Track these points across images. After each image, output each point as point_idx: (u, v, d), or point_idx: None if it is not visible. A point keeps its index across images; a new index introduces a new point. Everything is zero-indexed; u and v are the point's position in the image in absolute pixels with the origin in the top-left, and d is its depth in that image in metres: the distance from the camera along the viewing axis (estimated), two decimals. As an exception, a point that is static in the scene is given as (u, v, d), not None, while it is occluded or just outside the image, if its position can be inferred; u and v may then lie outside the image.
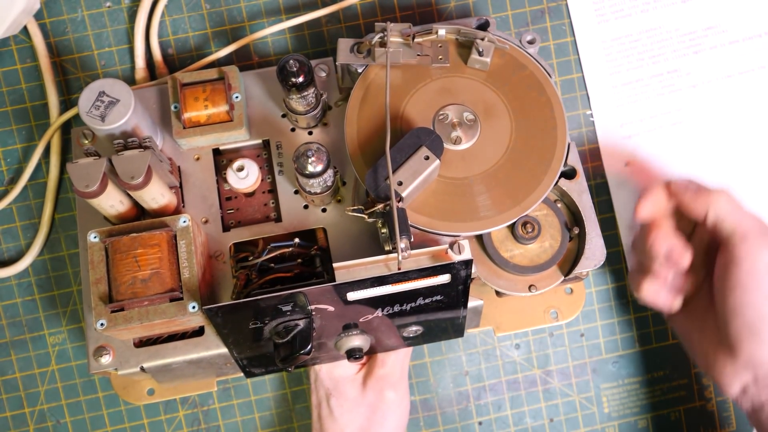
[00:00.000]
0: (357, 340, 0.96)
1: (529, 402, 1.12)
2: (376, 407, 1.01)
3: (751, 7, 1.16)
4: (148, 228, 0.90)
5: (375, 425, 1.01)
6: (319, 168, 0.88)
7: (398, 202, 0.88)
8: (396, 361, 1.04)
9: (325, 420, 1.02)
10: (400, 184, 0.89)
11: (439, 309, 0.93)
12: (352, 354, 0.96)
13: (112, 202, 0.90)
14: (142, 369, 0.94)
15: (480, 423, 1.12)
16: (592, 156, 1.14)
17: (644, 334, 1.13)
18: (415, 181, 0.89)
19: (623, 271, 1.13)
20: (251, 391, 1.12)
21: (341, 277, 0.88)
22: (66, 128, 1.12)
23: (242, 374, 1.06)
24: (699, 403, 1.13)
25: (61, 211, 1.12)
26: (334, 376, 1.02)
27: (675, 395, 1.13)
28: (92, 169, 0.86)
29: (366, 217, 0.90)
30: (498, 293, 0.98)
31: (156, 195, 0.91)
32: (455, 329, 1.00)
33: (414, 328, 0.97)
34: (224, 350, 0.93)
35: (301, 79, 0.91)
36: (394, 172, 0.89)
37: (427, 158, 0.89)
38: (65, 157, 1.12)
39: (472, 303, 0.96)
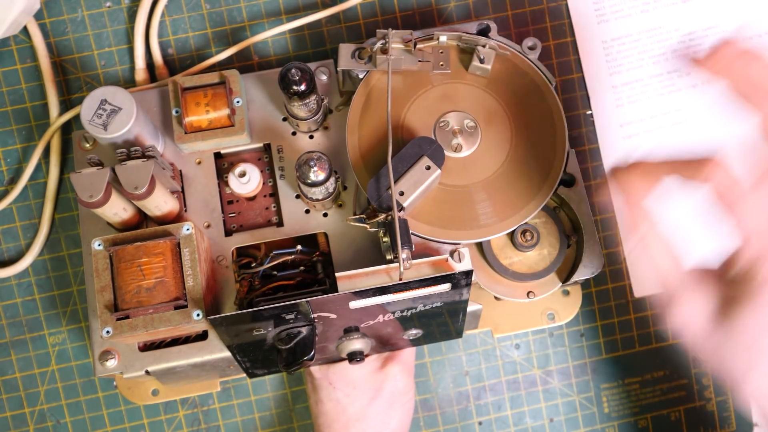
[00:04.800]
0: (358, 344, 0.97)
1: (529, 402, 1.13)
2: (390, 393, 1.03)
3: (751, 7, 1.15)
4: (151, 237, 0.90)
5: (387, 414, 1.02)
6: (322, 177, 0.89)
7: (400, 212, 0.88)
8: (412, 353, 1.06)
9: (332, 413, 1.02)
10: (401, 194, 0.89)
11: (439, 314, 0.93)
12: (354, 357, 0.96)
13: (115, 210, 0.90)
14: (147, 372, 0.94)
15: (480, 423, 1.13)
16: (592, 156, 1.14)
17: (644, 334, 1.13)
18: (416, 191, 0.89)
19: (623, 271, 1.14)
20: (251, 391, 1.12)
21: (344, 286, 0.88)
22: (66, 128, 1.12)
23: (243, 374, 1.07)
24: (699, 403, 1.13)
25: (61, 211, 1.12)
26: (338, 371, 1.03)
27: (675, 395, 1.14)
28: (96, 179, 0.86)
29: (368, 227, 0.90)
30: (497, 297, 0.98)
31: (159, 203, 0.91)
32: (454, 331, 1.00)
33: (414, 331, 0.97)
34: (228, 354, 0.93)
35: (303, 88, 0.91)
36: (395, 182, 0.89)
37: (428, 168, 0.90)
38: (65, 157, 1.12)
39: (470, 308, 0.97)
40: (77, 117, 1.10)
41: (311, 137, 1.00)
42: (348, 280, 0.89)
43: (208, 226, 0.97)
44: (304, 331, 0.89)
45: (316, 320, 0.88)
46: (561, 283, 0.98)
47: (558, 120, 0.98)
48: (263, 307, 0.84)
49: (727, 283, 0.81)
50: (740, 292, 0.79)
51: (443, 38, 0.99)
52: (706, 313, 0.81)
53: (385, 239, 0.89)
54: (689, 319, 0.82)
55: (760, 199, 0.77)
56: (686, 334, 0.83)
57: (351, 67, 0.98)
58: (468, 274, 0.85)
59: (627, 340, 1.13)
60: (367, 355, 1.00)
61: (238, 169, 0.95)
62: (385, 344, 1.01)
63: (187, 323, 0.88)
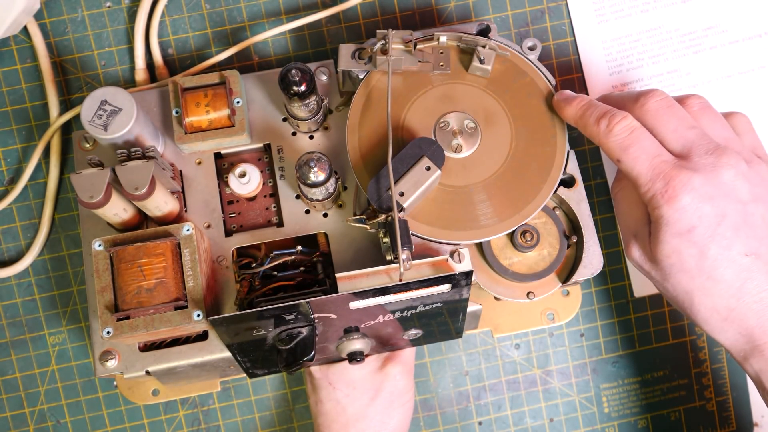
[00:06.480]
0: (358, 344, 0.97)
1: (529, 402, 1.13)
2: (390, 393, 1.03)
3: (751, 7, 1.16)
4: (152, 237, 0.90)
5: (387, 414, 1.02)
6: (322, 177, 0.89)
7: (400, 212, 0.88)
8: (412, 353, 1.06)
9: (332, 413, 1.02)
10: (401, 194, 0.89)
11: (439, 314, 0.93)
12: (354, 357, 0.96)
13: (116, 210, 0.90)
14: (148, 372, 0.94)
15: (480, 423, 1.13)
16: (592, 156, 1.14)
17: (644, 334, 1.14)
18: (416, 192, 0.89)
19: (623, 271, 1.14)
20: (251, 391, 1.13)
21: (344, 287, 0.88)
22: (66, 128, 1.12)
23: (243, 374, 1.07)
24: (699, 403, 1.14)
25: (61, 211, 1.12)
26: (338, 371, 1.03)
27: (675, 395, 1.14)
28: (96, 180, 0.86)
29: (368, 227, 0.90)
30: (497, 297, 0.98)
31: (160, 203, 0.91)
32: (454, 331, 1.00)
33: (414, 331, 0.97)
34: (228, 354, 0.93)
35: (303, 88, 0.91)
36: (395, 182, 0.89)
37: (428, 169, 0.90)
38: (65, 157, 1.12)
39: (470, 308, 0.97)
40: (77, 117, 1.10)
41: (311, 137, 1.00)
42: (348, 280, 0.89)
43: (209, 226, 0.97)
44: (305, 331, 0.89)
45: (316, 320, 0.88)
46: (561, 284, 0.98)
47: (558, 120, 0.98)
48: (263, 308, 0.84)
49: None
50: (651, 227, 0.91)
51: (443, 39, 0.99)
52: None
53: (386, 240, 0.89)
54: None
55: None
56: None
57: (351, 68, 0.98)
58: (468, 274, 0.85)
59: (627, 340, 1.14)
60: (367, 355, 1.00)
61: (238, 170, 0.95)
62: (385, 344, 1.01)
63: (188, 324, 0.88)
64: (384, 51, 0.96)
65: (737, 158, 0.89)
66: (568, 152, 0.98)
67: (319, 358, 1.00)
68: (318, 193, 0.92)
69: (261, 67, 1.14)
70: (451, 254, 0.91)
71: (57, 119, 1.10)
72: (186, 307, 0.88)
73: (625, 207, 0.96)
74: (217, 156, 1.00)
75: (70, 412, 1.12)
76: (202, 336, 0.95)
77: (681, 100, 0.95)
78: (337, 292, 0.87)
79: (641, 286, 1.14)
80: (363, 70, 0.98)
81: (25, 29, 1.12)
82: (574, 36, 1.16)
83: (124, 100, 0.90)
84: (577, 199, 0.98)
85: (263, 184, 0.99)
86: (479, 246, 0.97)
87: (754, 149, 0.94)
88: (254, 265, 0.96)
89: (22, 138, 1.13)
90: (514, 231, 0.95)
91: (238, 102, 0.97)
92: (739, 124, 0.96)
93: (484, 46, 0.98)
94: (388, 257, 0.89)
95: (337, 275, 0.89)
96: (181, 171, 0.99)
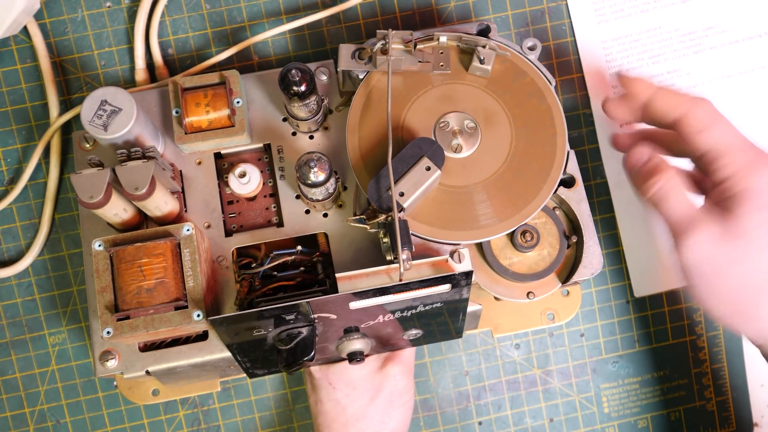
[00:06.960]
0: (358, 344, 0.97)
1: (529, 402, 1.13)
2: (390, 393, 1.03)
3: (751, 7, 1.15)
4: (152, 237, 0.90)
5: (387, 414, 1.02)
6: (322, 177, 0.89)
7: (400, 213, 0.88)
8: (412, 353, 1.06)
9: (331, 413, 1.02)
10: (401, 194, 0.89)
11: (439, 314, 0.93)
12: (354, 357, 0.96)
13: (116, 210, 0.90)
14: (148, 372, 0.94)
15: (480, 423, 1.13)
16: (592, 156, 1.14)
17: (644, 334, 1.14)
18: (416, 192, 0.89)
19: (623, 271, 1.14)
20: (251, 391, 1.12)
21: (344, 287, 0.88)
22: (66, 128, 1.12)
23: (243, 374, 1.07)
24: (699, 403, 1.14)
25: (61, 211, 1.12)
26: (338, 371, 1.03)
27: (675, 395, 1.14)
28: (96, 180, 0.86)
29: (368, 227, 0.90)
30: (497, 297, 0.98)
31: (160, 203, 0.91)
32: (454, 331, 1.00)
33: (414, 331, 0.97)
34: (228, 354, 0.93)
35: (303, 88, 0.91)
36: (395, 182, 0.89)
37: (428, 169, 0.90)
38: (65, 157, 1.12)
39: (470, 308, 0.97)
40: (77, 117, 1.10)
41: (311, 137, 1.00)
42: (348, 280, 0.89)
43: (209, 226, 0.97)
44: (305, 331, 0.89)
45: (316, 320, 0.88)
46: (561, 284, 0.98)
47: (558, 120, 0.98)
48: (264, 308, 0.84)
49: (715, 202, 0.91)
50: (727, 205, 0.89)
51: (443, 39, 0.99)
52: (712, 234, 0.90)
53: (386, 240, 0.89)
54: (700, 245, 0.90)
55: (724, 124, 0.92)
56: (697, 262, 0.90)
57: (351, 68, 0.98)
58: (468, 274, 0.85)
59: (627, 340, 1.13)
60: (367, 355, 1.00)
61: (238, 170, 0.95)
62: (385, 344, 1.01)
63: (188, 324, 0.88)
64: (384, 51, 0.96)
65: None
66: (568, 152, 0.98)
67: (319, 358, 1.00)
68: (318, 193, 0.92)
69: (261, 67, 1.14)
70: (451, 254, 0.91)
71: (57, 119, 1.10)
72: (186, 307, 0.88)
73: (678, 195, 0.92)
74: (217, 156, 1.00)
75: (70, 412, 1.12)
76: (202, 336, 0.95)
77: None
78: (337, 292, 0.87)
79: (641, 286, 1.14)
80: (363, 70, 0.98)
81: (25, 29, 1.12)
82: (574, 36, 1.16)
83: (124, 100, 0.90)
84: (577, 199, 0.98)
85: (263, 184, 0.99)
86: (479, 246, 0.97)
87: None
88: (254, 265, 0.96)
89: (22, 138, 1.13)
90: (514, 231, 0.95)
91: (238, 102, 0.97)
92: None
93: (484, 46, 0.98)
94: (388, 257, 0.89)
95: (337, 275, 0.89)
96: (181, 171, 0.99)
